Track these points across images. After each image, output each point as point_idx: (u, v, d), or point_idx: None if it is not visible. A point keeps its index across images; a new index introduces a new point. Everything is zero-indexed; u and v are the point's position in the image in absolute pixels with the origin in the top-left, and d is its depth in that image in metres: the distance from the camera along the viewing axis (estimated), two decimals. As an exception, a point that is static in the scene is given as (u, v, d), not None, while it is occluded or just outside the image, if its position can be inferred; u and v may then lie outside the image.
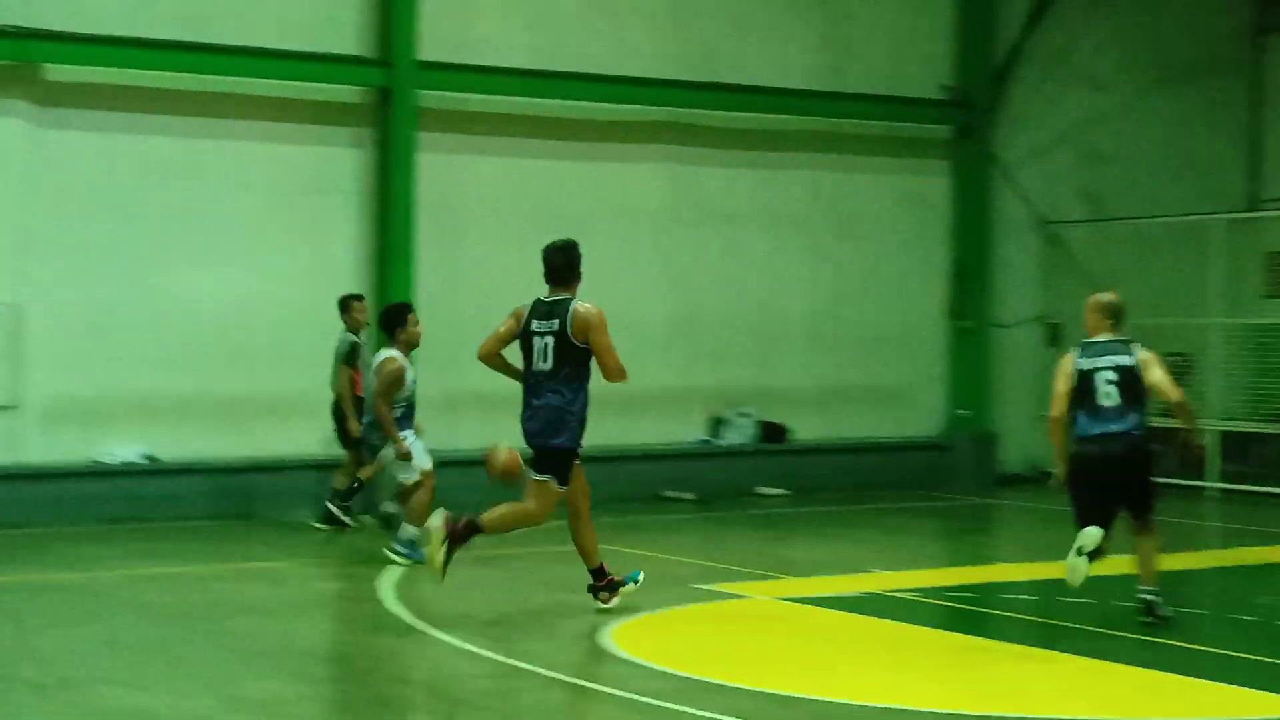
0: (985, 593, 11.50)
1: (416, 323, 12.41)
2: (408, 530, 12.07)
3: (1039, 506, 14.12)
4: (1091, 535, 9.55)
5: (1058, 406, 9.83)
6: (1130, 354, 9.75)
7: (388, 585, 11.22)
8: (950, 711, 7.65)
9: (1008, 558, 13.09)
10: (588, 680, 8.53)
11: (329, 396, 14.13)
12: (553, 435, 10.08)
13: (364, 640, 9.74)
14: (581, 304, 10.42)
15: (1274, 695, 7.97)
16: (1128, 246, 19.11)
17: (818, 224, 18.02)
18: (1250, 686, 8.20)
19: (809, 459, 15.89)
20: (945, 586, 11.66)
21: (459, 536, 9.75)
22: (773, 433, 17.52)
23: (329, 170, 15.59)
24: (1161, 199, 20.00)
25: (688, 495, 16.46)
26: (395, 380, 12.05)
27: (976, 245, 18.76)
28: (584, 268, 16.66)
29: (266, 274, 15.31)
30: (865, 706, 7.73)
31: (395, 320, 12.35)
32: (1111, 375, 9.67)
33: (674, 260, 17.16)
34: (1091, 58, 19.96)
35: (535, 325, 10.26)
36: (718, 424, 17.34)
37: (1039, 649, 9.21)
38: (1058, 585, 10.11)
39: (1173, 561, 11.99)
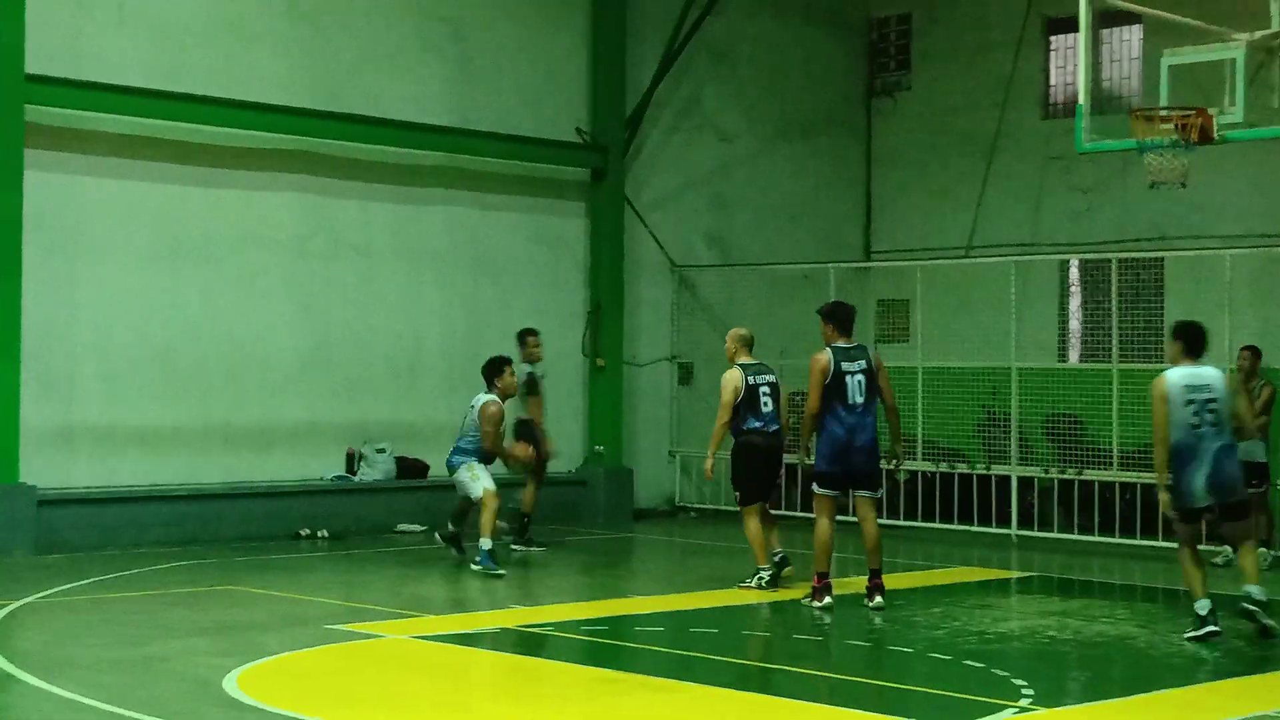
0: (619, 625, 11.62)
1: (512, 373, 14.40)
2: (485, 543, 13.57)
3: (673, 540, 14.38)
4: None
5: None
6: (774, 373, 13.11)
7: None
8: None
9: (642, 590, 13.25)
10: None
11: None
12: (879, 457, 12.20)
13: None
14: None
15: (876, 716, 8.30)
16: (754, 291, 19.78)
17: (455, 260, 17.94)
18: (858, 709, 8.54)
19: (448, 494, 15.69)
20: (581, 620, 11.72)
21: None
22: (411, 468, 17.31)
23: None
24: (785, 247, 20.84)
25: (323, 533, 16.08)
26: (498, 422, 14.17)
27: (611, 286, 19.07)
28: (213, 297, 16.33)
29: None
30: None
31: (494, 371, 14.30)
32: (768, 391, 12.86)
33: (306, 292, 16.74)
34: (718, 109, 20.67)
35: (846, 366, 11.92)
36: (354, 459, 17.02)
37: (667, 679, 9.33)
38: (689, 616, 10.30)
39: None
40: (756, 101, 21.11)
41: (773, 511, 13.05)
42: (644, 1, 19.45)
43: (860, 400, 11.80)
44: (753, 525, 12.72)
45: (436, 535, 14.81)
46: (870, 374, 11.91)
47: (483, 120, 18.07)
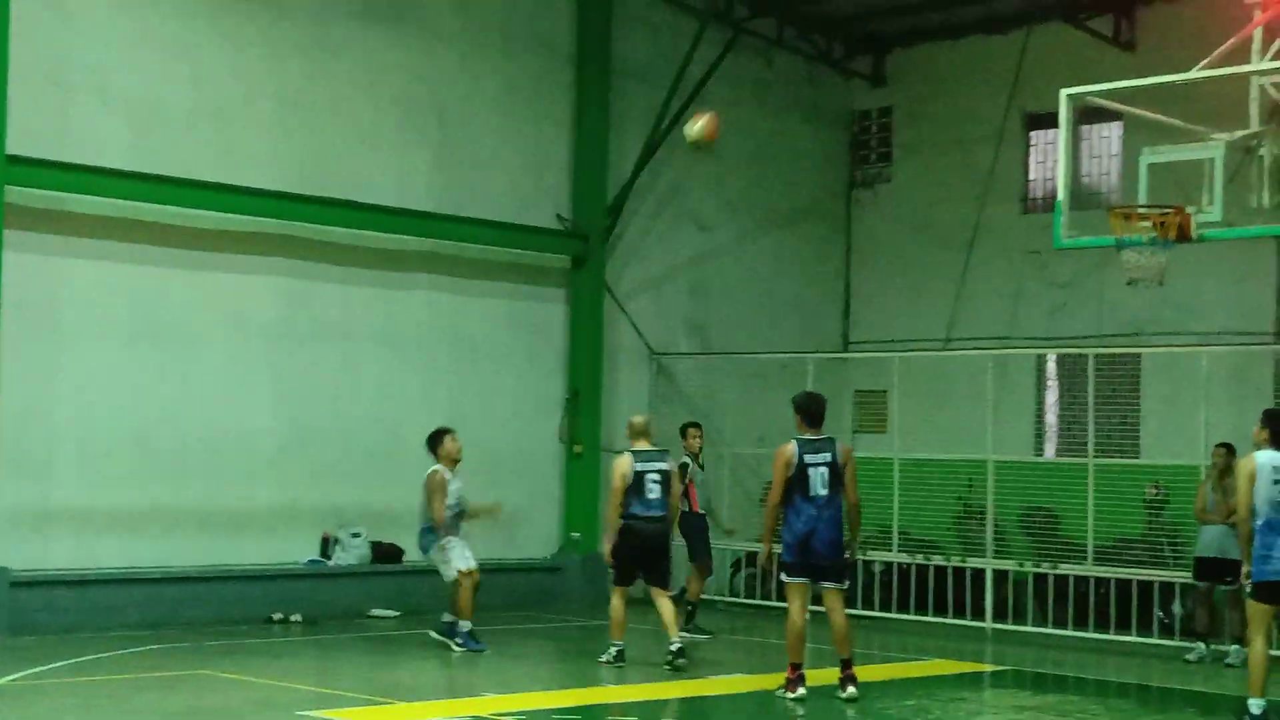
0: (592, 714, 11.54)
1: (455, 440, 14.45)
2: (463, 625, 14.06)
3: (649, 628, 14.28)
4: None
5: None
6: (666, 461, 13.69)
7: None
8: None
9: (613, 679, 13.16)
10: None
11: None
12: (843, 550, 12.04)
13: None
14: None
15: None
16: (732, 379, 19.84)
17: (436, 345, 17.96)
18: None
19: (422, 580, 15.65)
20: (554, 708, 11.62)
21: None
22: (386, 553, 17.22)
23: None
24: (764, 336, 20.93)
25: (296, 617, 15.95)
26: (440, 488, 14.18)
27: (590, 372, 19.11)
28: (192, 380, 16.29)
29: None
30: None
31: (435, 440, 14.47)
32: (656, 478, 13.37)
33: (287, 376, 16.71)
34: (698, 199, 20.85)
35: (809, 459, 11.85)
36: (329, 544, 16.93)
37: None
38: (663, 706, 10.20)
39: (772, 681, 12.34)
40: (738, 191, 21.29)
41: (752, 602, 13.18)
42: (628, 91, 19.66)
43: (823, 493, 11.76)
44: (616, 604, 13.50)
45: (432, 633, 14.57)
46: (834, 467, 11.84)
47: (465, 206, 18.17)
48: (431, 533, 14.27)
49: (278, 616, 15.90)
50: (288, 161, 16.74)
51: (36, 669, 12.48)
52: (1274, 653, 11.73)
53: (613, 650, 13.48)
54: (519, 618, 16.26)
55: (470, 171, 18.37)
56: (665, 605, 13.42)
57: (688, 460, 16.09)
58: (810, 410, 12.13)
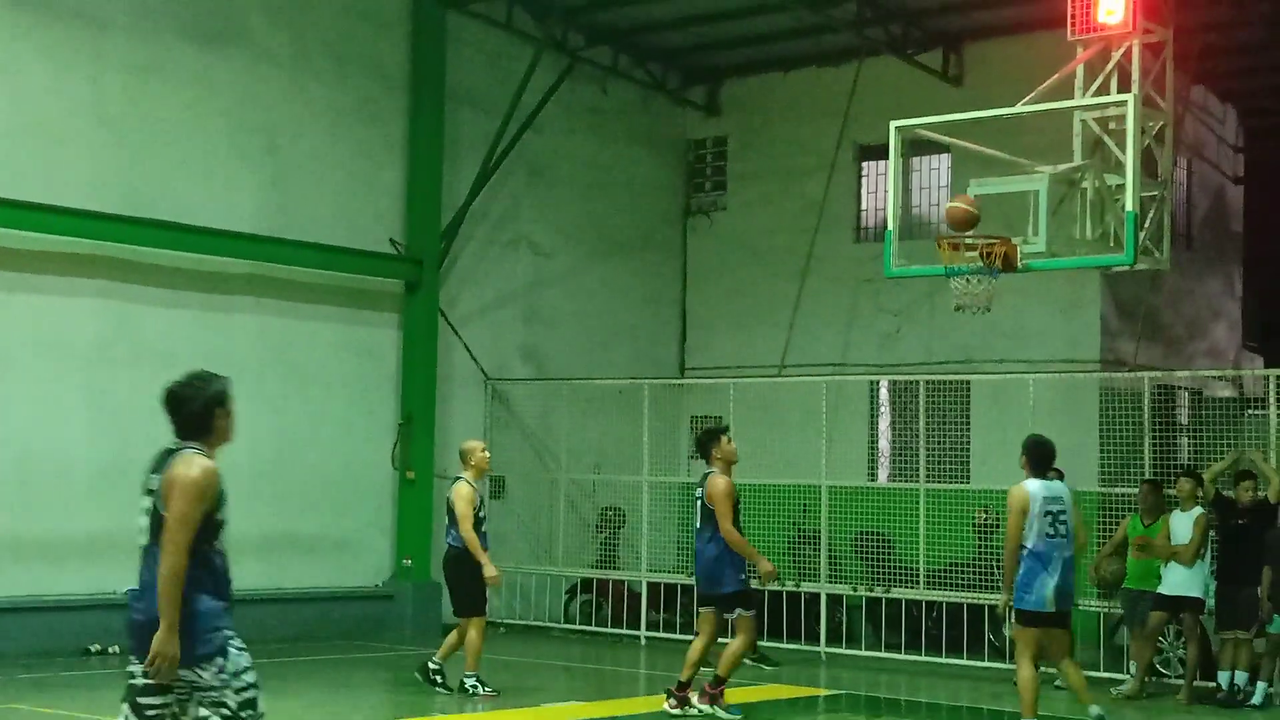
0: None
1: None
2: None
3: (484, 656, 14.09)
4: None
5: None
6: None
7: None
8: None
9: (445, 708, 12.94)
10: None
11: None
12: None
13: None
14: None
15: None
16: (568, 405, 19.73)
17: (264, 369, 17.55)
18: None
19: (251, 609, 15.20)
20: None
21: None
22: (211, 582, 16.75)
23: None
24: (600, 362, 20.90)
25: (115, 649, 15.39)
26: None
27: (423, 397, 18.86)
28: (5, 405, 15.67)
29: None
30: None
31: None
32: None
33: (106, 401, 16.15)
34: (534, 224, 20.77)
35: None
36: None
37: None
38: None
39: (605, 708, 12.24)
40: (574, 218, 21.26)
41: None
42: (462, 116, 19.51)
43: (699, 524, 12.43)
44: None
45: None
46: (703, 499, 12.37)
47: (295, 229, 17.81)
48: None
49: (96, 648, 15.35)
50: (110, 182, 16.25)
51: None
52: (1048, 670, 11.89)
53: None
54: (350, 646, 15.94)
55: (300, 195, 18.02)
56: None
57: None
58: (700, 444, 12.69)
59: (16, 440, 15.54)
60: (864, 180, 21.56)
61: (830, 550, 17.25)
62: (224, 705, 6.24)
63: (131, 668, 6.36)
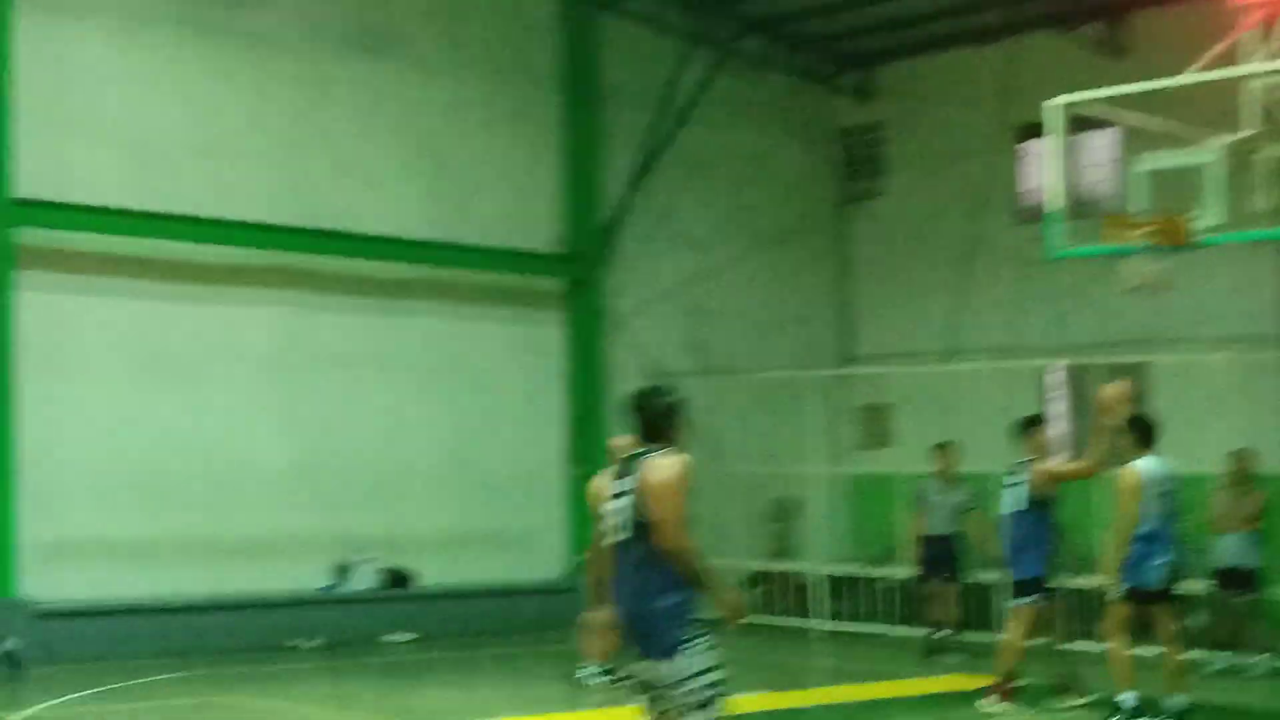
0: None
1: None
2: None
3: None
4: None
5: None
6: None
7: None
8: None
9: (614, 701, 13.07)
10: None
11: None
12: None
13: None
14: None
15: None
16: (734, 398, 19.79)
17: (435, 371, 17.97)
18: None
19: (434, 604, 15.73)
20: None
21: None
22: (396, 578, 17.23)
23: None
24: (761, 354, 20.90)
25: (310, 643, 15.94)
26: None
27: (591, 394, 19.08)
28: (198, 412, 16.29)
29: None
30: None
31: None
32: None
33: (291, 405, 16.75)
34: (691, 219, 20.84)
35: None
36: (341, 570, 16.92)
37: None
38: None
39: (785, 700, 12.31)
40: (731, 210, 21.30)
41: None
42: (618, 113, 19.66)
43: (1016, 508, 11.94)
44: None
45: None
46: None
47: (459, 233, 18.19)
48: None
49: (293, 643, 15.87)
50: (283, 194, 16.80)
51: (63, 698, 12.54)
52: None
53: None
54: (529, 639, 16.23)
55: (464, 198, 18.39)
56: None
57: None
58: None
59: (209, 446, 16.19)
60: (1025, 160, 21.25)
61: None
62: (689, 695, 6.51)
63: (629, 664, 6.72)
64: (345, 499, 17.07)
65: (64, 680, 13.47)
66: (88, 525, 15.37)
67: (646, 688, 6.66)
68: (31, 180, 14.96)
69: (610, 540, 6.80)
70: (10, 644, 13.27)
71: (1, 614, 14.48)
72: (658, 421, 6.82)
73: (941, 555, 15.48)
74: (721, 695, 6.61)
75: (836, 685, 14.37)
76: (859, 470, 20.02)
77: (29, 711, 11.90)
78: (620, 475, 6.79)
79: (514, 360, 18.76)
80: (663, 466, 6.63)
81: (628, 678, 6.72)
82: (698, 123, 20.33)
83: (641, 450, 6.76)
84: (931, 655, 15.25)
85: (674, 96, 19.19)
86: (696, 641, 6.56)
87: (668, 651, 6.52)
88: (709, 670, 6.56)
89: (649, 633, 6.55)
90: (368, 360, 17.48)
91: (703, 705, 6.54)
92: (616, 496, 6.77)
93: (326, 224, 16.97)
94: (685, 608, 6.59)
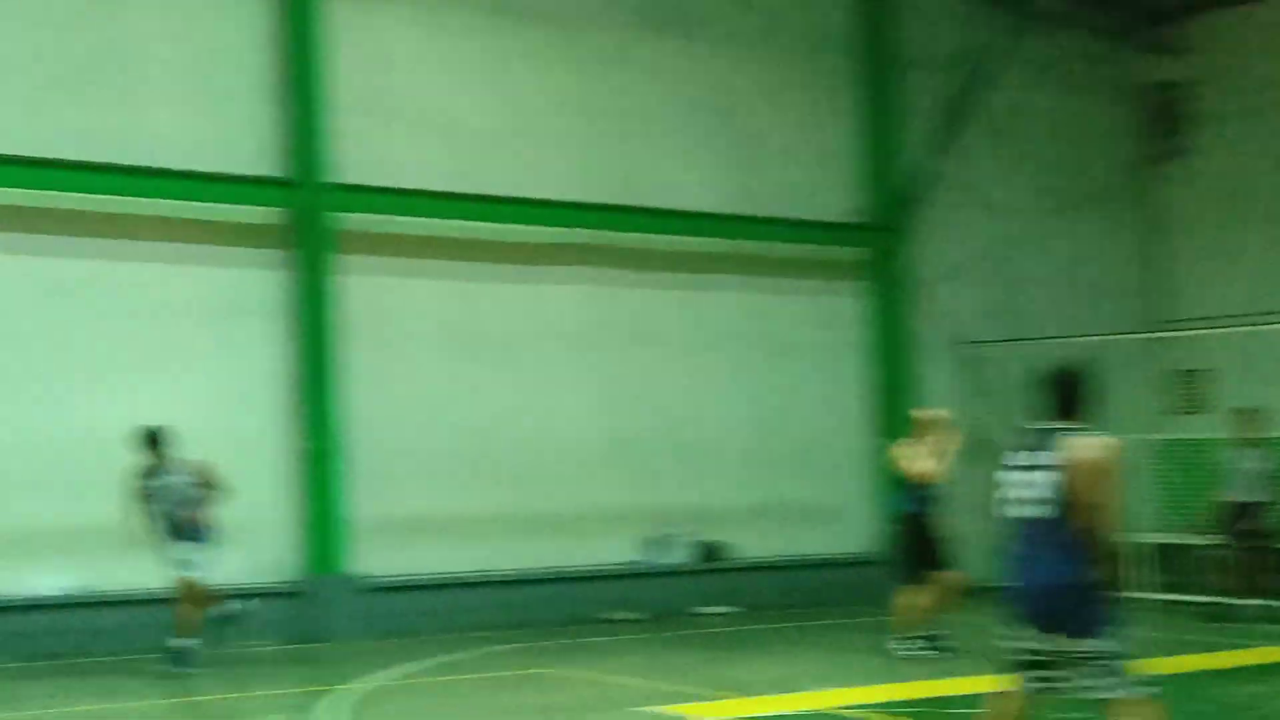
0: (936, 706, 11.34)
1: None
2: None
3: (978, 620, 13.97)
4: None
5: None
6: None
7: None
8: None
9: (952, 671, 12.93)
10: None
11: (255, 521, 14.09)
12: None
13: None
14: None
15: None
16: (1042, 366, 19.31)
17: (740, 344, 18.10)
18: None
19: (748, 577, 15.89)
20: (895, 701, 11.46)
21: None
22: (709, 551, 17.46)
23: (244, 292, 15.37)
24: (1068, 319, 20.38)
25: (632, 615, 16.28)
26: None
27: (895, 364, 18.95)
28: (515, 390, 16.77)
29: (181, 397, 14.83)
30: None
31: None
32: None
33: (600, 381, 17.12)
34: (995, 184, 20.45)
35: None
36: (655, 543, 17.22)
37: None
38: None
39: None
40: (1034, 173, 20.82)
41: None
42: (917, 78, 19.40)
43: None
44: None
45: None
46: None
47: (761, 206, 18.25)
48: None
49: (609, 615, 16.25)
50: (591, 173, 17.16)
51: (403, 668, 13.08)
52: None
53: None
54: (843, 611, 16.22)
55: (764, 171, 18.45)
56: None
57: None
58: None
59: (524, 423, 16.66)
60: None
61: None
62: (1108, 674, 6.57)
63: (1016, 637, 6.76)
64: (656, 473, 17.36)
65: (392, 653, 14.00)
66: (410, 502, 15.95)
67: (1036, 663, 6.67)
68: (351, 167, 15.61)
69: (1014, 514, 6.76)
70: (238, 606, 13.49)
71: (332, 589, 15.16)
72: (1074, 398, 6.76)
73: (1247, 522, 15.05)
74: (1134, 673, 6.61)
75: (1183, 656, 13.92)
76: (1174, 436, 19.34)
77: (369, 683, 12.45)
78: (1029, 449, 6.75)
79: (816, 332, 18.75)
80: (1095, 447, 6.57)
81: (1024, 649, 6.67)
82: (999, 85, 19.91)
83: (1057, 427, 6.70)
84: (1249, 624, 14.76)
85: (973, 59, 18.84)
86: (1112, 620, 6.58)
87: (1084, 629, 6.54)
88: (1121, 648, 6.59)
89: (1064, 610, 6.56)
90: (675, 335, 17.72)
91: (1117, 680, 6.54)
92: (1024, 470, 6.72)
93: (633, 201, 17.26)
94: (1100, 586, 6.57)
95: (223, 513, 13.19)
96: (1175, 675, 12.48)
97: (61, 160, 14.40)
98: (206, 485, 13.02)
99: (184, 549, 12.86)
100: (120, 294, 14.84)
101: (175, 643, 12.83)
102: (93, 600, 14.29)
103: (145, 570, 13.35)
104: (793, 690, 12.08)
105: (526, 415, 16.67)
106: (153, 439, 13.04)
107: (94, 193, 14.62)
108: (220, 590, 13.28)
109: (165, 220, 15.06)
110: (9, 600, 14.03)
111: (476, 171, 16.47)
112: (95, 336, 14.69)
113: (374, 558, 15.51)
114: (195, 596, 12.90)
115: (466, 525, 16.28)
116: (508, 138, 16.74)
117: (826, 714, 10.82)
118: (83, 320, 14.66)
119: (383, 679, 12.59)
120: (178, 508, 12.87)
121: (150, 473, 13.03)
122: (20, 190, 14.39)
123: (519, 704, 11.42)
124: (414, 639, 14.93)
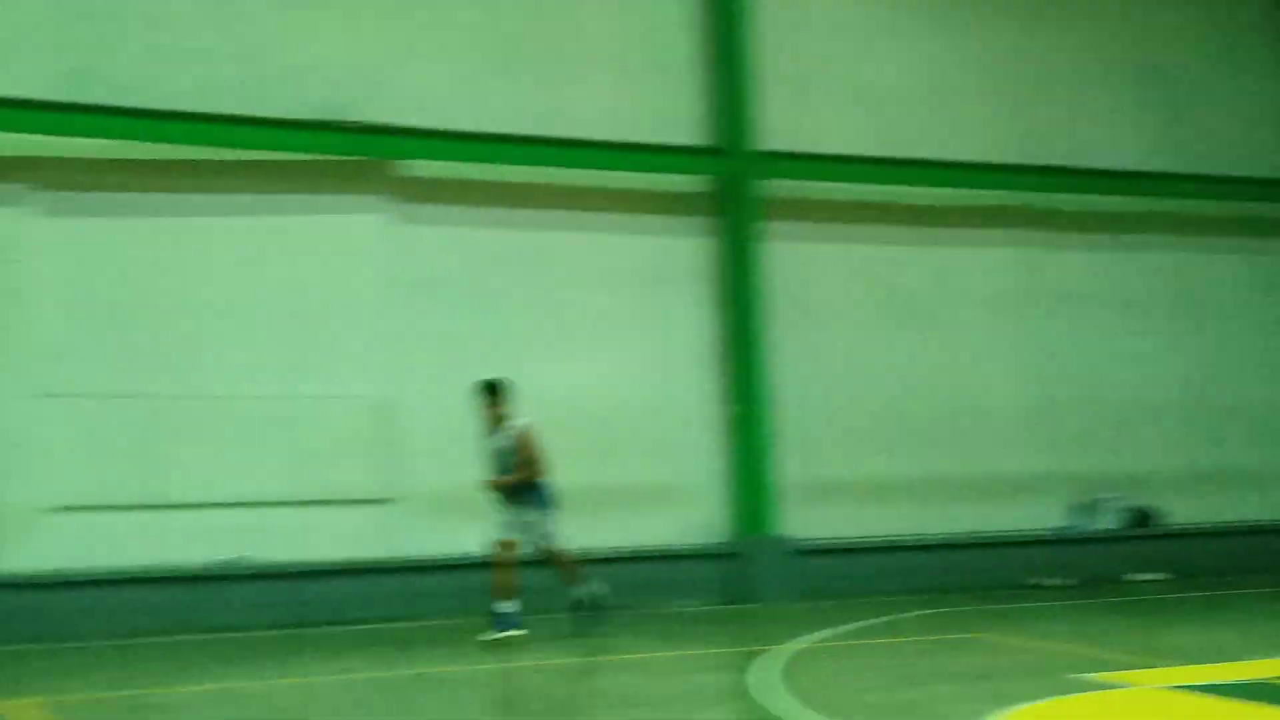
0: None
1: None
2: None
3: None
4: None
5: None
6: None
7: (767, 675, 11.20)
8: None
9: None
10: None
11: (686, 485, 14.44)
12: None
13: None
14: None
15: None
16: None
17: (1168, 305, 17.62)
18: None
19: (1183, 543, 15.49)
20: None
21: None
22: (1141, 517, 17.09)
23: (674, 261, 15.92)
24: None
25: (1057, 581, 16.14)
26: None
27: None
28: (936, 354, 16.74)
29: (615, 364, 15.57)
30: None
31: None
32: None
33: (1025, 344, 16.97)
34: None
35: None
36: (1083, 509, 16.98)
37: None
38: None
39: None
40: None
41: None
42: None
43: None
44: None
45: None
46: None
47: (1188, 163, 17.68)
48: None
49: (1038, 581, 16.14)
50: (1012, 134, 17.04)
51: (836, 629, 13.34)
52: None
53: None
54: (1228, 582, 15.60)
55: (1190, 127, 17.83)
56: None
57: None
58: None
59: (947, 387, 16.69)
60: None
61: None
62: None
63: None
64: (1082, 437, 17.14)
65: (821, 615, 14.22)
66: (833, 466, 16.24)
67: None
68: (775, 134, 15.95)
69: None
70: (595, 588, 12.84)
71: (761, 551, 15.54)
72: None
73: None
74: None
75: None
76: None
77: (800, 643, 12.75)
78: None
79: (1248, 292, 18.07)
80: None
81: None
82: None
83: None
84: None
85: None
86: None
87: None
88: None
89: None
90: (1100, 297, 17.39)
91: None
92: None
93: (1055, 161, 16.98)
94: None
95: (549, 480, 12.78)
96: None
97: (504, 134, 15.18)
98: (524, 451, 12.47)
99: (513, 511, 12.50)
100: (558, 263, 15.55)
101: (497, 607, 12.32)
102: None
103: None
104: (1230, 659, 11.72)
105: (948, 379, 16.69)
106: (492, 390, 12.59)
107: (533, 164, 15.29)
108: (574, 559, 12.88)
109: (599, 191, 15.70)
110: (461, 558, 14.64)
111: (896, 136, 16.57)
112: (542, 305, 15.42)
113: (799, 521, 15.85)
114: (557, 560, 12.53)
115: (888, 489, 16.44)
116: (926, 101, 16.77)
117: (1268, 683, 10.48)
118: (530, 290, 15.42)
119: (818, 639, 12.85)
120: (503, 470, 12.54)
121: (492, 427, 12.62)
122: (471, 165, 15.20)
123: (958, 667, 11.46)
124: (839, 601, 15.19)
